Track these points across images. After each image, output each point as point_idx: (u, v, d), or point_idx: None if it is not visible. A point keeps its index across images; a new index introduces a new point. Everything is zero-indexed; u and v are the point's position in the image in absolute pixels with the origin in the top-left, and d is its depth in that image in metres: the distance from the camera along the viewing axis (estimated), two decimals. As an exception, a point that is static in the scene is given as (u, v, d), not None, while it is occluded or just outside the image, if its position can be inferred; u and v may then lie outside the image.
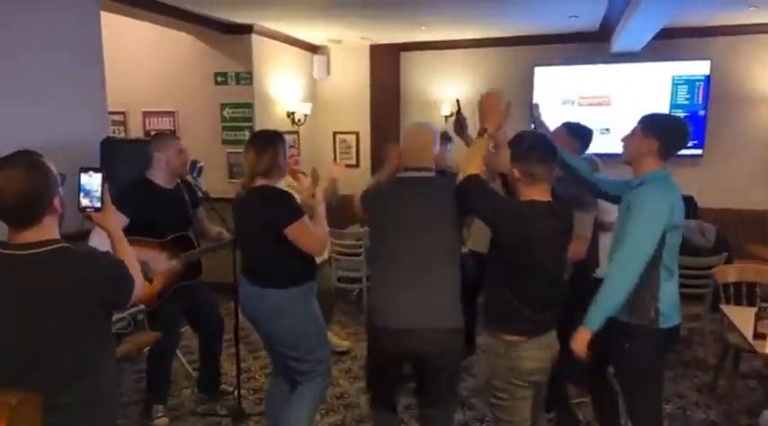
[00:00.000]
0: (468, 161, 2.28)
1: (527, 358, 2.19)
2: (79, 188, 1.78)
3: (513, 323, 2.21)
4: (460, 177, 2.27)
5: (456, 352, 2.46)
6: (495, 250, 2.26)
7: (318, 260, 3.95)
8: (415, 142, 2.52)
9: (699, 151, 6.07)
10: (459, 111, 3.01)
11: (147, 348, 3.21)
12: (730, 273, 3.78)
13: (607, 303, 2.29)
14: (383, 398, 2.68)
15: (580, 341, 2.29)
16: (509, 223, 2.17)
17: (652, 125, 2.37)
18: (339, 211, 4.96)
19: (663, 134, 2.35)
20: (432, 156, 2.51)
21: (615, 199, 2.60)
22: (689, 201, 4.34)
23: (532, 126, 2.83)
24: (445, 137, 4.34)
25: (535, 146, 2.20)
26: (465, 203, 2.30)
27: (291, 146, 4.25)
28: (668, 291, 2.36)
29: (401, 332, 2.33)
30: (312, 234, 2.64)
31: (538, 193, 2.20)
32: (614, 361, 2.52)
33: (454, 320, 2.37)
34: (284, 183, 3.73)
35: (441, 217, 2.38)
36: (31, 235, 1.64)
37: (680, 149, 2.43)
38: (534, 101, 3.05)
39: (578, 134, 3.08)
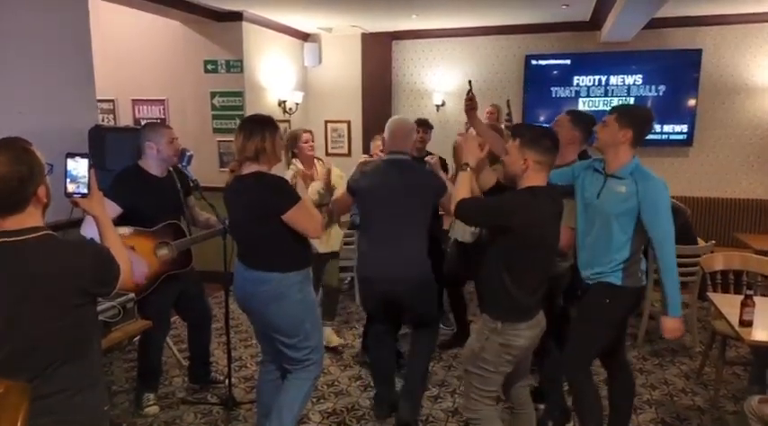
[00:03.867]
0: (455, 192, 2.51)
1: (521, 336, 2.37)
2: (65, 173, 1.78)
3: (511, 311, 2.38)
4: (452, 204, 2.48)
5: (426, 293, 3.13)
6: (499, 243, 2.39)
7: (325, 249, 4.02)
8: (400, 131, 3.12)
9: (688, 140, 6.11)
10: (470, 91, 3.16)
11: (138, 336, 3.21)
12: (717, 261, 3.82)
13: (677, 286, 2.55)
14: (378, 325, 3.35)
15: (678, 329, 2.60)
16: (519, 214, 2.29)
17: (626, 115, 2.56)
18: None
19: (636, 123, 2.54)
20: (411, 144, 3.22)
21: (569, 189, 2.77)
22: None
23: (506, 120, 2.97)
24: (427, 125, 4.51)
25: (546, 134, 2.39)
26: (468, 221, 2.77)
27: (307, 131, 4.24)
28: (642, 257, 2.68)
29: (379, 279, 3.02)
30: (311, 216, 2.65)
31: (540, 179, 2.34)
32: (585, 313, 2.70)
33: (420, 268, 3.05)
34: (292, 171, 3.80)
35: (414, 193, 3.00)
36: (14, 223, 1.62)
37: (647, 136, 2.65)
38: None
39: (581, 122, 3.04)
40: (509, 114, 3.23)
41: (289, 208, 2.55)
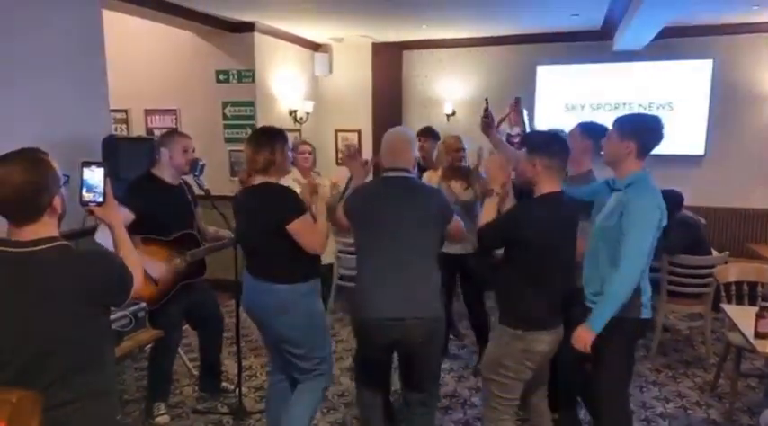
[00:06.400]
0: (483, 216, 2.54)
1: (542, 341, 2.39)
2: (82, 182, 1.79)
3: (530, 322, 2.39)
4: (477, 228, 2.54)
5: (439, 339, 2.73)
6: (513, 255, 2.44)
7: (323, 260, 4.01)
8: (396, 146, 2.68)
9: (701, 151, 6.06)
10: (487, 109, 3.17)
11: (149, 345, 3.22)
12: (731, 273, 3.78)
13: (613, 306, 2.36)
14: (373, 386, 2.81)
15: (586, 342, 2.38)
16: (526, 225, 2.34)
17: (627, 127, 2.45)
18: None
19: (639, 134, 2.43)
20: (410, 159, 2.69)
21: (590, 205, 2.72)
22: (676, 196, 4.30)
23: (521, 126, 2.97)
24: (430, 133, 4.50)
25: (555, 138, 2.45)
26: (490, 246, 2.66)
27: (304, 142, 4.26)
28: (646, 285, 2.49)
29: (390, 322, 2.47)
30: (314, 231, 2.65)
31: (553, 184, 2.38)
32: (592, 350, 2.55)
33: (436, 310, 2.56)
34: (291, 179, 3.78)
35: (420, 216, 2.54)
36: (29, 233, 1.64)
37: (656, 146, 2.50)
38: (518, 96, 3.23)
39: (592, 134, 2.99)
40: (487, 111, 3.19)
41: (292, 219, 2.56)
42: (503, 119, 4.06)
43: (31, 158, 1.64)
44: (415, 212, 2.53)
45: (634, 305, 2.44)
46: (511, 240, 2.42)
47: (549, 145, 2.39)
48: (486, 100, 3.27)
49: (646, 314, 2.49)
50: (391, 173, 2.63)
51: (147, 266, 2.98)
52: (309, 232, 2.62)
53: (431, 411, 2.83)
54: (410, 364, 2.69)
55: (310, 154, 4.21)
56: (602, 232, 2.48)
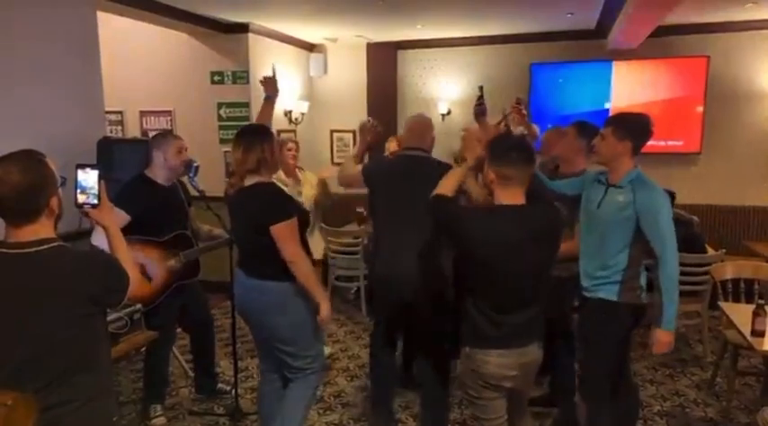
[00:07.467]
0: (443, 183, 2.37)
1: (488, 362, 2.19)
2: (76, 185, 1.80)
3: (473, 337, 2.24)
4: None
5: (438, 296, 2.90)
6: (460, 262, 2.31)
7: None
8: (415, 127, 3.04)
9: (697, 148, 6.07)
10: (481, 97, 3.23)
11: (144, 347, 3.21)
12: (728, 270, 3.78)
13: (675, 295, 2.46)
14: (382, 354, 3.11)
15: (670, 342, 2.48)
16: (468, 230, 2.16)
17: (623, 127, 2.52)
18: (338, 209, 4.98)
19: (634, 133, 2.51)
20: (427, 141, 3.01)
21: (576, 199, 2.75)
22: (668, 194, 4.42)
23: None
24: None
25: (513, 147, 2.19)
26: (435, 217, 2.41)
27: (292, 141, 4.26)
28: (642, 269, 2.58)
29: (400, 277, 2.82)
30: (295, 241, 2.59)
31: (510, 196, 2.17)
32: (585, 334, 2.69)
33: (433, 267, 2.85)
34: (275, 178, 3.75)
35: (424, 188, 2.52)
36: (27, 234, 1.64)
37: (647, 142, 2.59)
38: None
39: (586, 134, 3.01)
40: (481, 98, 3.25)
41: (277, 222, 2.53)
42: (502, 121, 4.08)
43: (30, 159, 1.65)
44: (419, 183, 2.67)
45: (632, 290, 2.52)
46: (451, 235, 2.32)
47: (506, 153, 2.15)
48: (481, 88, 3.30)
49: (643, 298, 2.56)
50: (409, 152, 2.98)
51: (147, 265, 3.00)
52: (290, 238, 2.57)
53: (439, 356, 3.03)
54: (414, 319, 2.97)
55: (296, 151, 4.19)
56: (610, 225, 2.52)
